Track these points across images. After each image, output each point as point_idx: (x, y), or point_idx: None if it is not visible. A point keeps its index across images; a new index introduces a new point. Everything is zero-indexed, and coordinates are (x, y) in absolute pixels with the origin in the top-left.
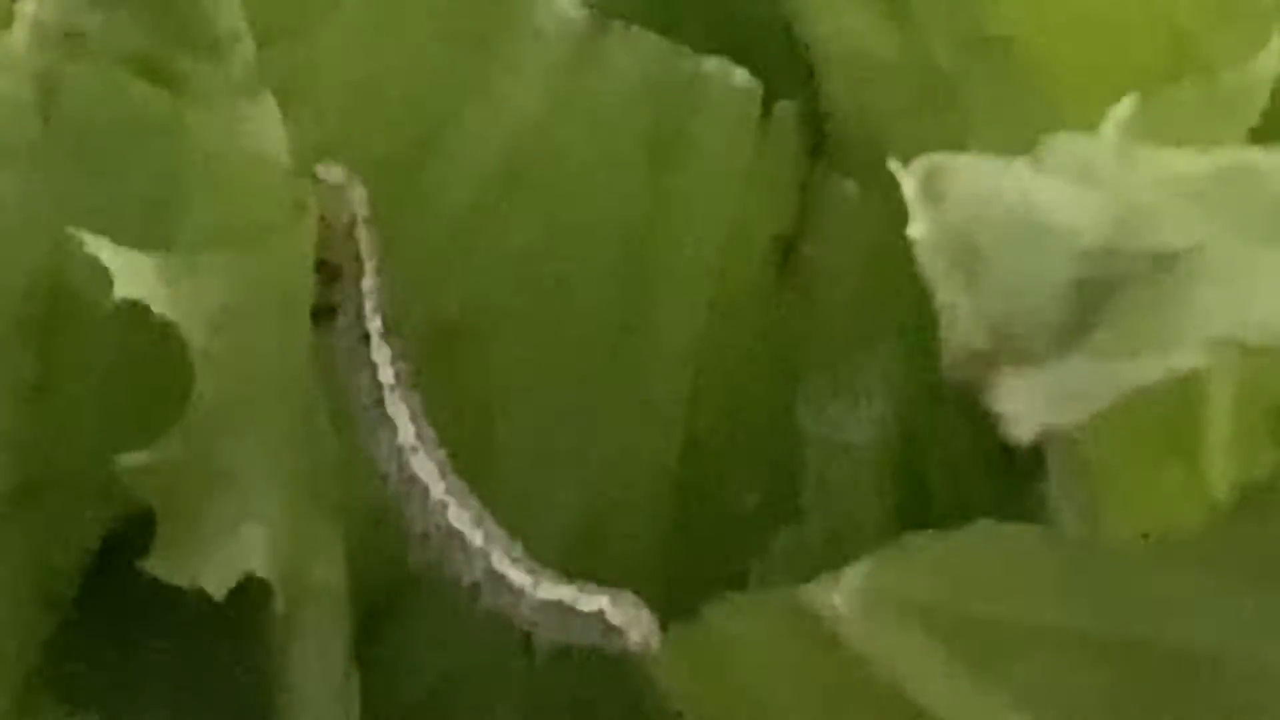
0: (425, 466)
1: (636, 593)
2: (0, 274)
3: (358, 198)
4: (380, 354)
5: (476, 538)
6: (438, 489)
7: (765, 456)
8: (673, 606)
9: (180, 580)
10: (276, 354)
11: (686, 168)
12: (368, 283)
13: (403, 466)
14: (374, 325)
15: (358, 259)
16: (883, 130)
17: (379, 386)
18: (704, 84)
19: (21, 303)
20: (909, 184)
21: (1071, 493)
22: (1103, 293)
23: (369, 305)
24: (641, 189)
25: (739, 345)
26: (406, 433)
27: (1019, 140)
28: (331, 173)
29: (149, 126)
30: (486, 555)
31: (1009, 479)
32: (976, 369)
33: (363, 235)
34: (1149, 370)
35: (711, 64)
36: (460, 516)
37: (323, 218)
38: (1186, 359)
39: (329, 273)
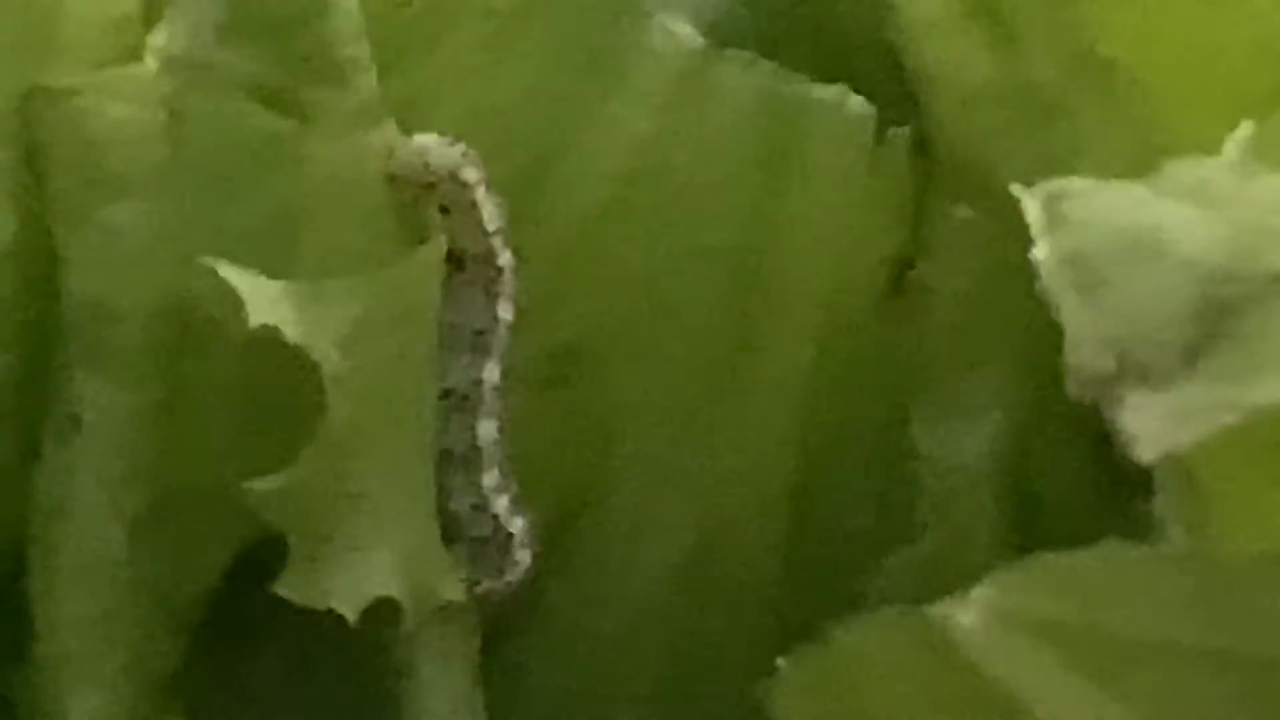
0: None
1: None
2: (129, 298)
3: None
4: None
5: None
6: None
7: (879, 476)
8: (786, 626)
9: (313, 603)
10: (404, 373)
11: (798, 193)
12: (505, 259)
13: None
14: (505, 260)
15: (483, 233)
16: (989, 153)
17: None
18: (817, 110)
19: (149, 327)
20: (1031, 208)
21: (1180, 510)
22: (1223, 314)
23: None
24: (753, 213)
25: (852, 366)
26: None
27: (1128, 160)
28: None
29: (273, 154)
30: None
31: (1118, 495)
32: (1100, 389)
33: (485, 205)
34: (1270, 391)
35: (825, 90)
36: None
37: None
38: None
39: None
